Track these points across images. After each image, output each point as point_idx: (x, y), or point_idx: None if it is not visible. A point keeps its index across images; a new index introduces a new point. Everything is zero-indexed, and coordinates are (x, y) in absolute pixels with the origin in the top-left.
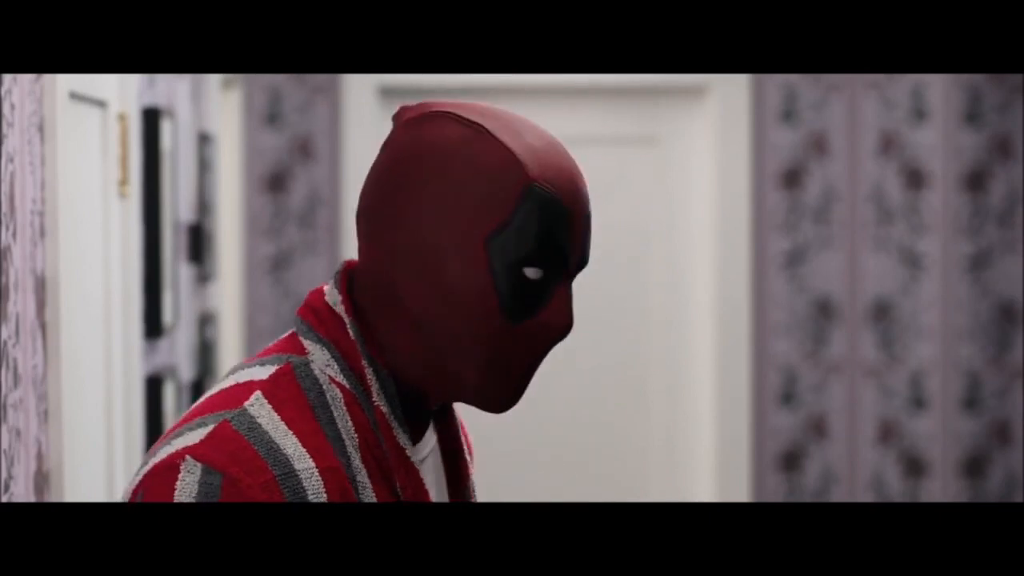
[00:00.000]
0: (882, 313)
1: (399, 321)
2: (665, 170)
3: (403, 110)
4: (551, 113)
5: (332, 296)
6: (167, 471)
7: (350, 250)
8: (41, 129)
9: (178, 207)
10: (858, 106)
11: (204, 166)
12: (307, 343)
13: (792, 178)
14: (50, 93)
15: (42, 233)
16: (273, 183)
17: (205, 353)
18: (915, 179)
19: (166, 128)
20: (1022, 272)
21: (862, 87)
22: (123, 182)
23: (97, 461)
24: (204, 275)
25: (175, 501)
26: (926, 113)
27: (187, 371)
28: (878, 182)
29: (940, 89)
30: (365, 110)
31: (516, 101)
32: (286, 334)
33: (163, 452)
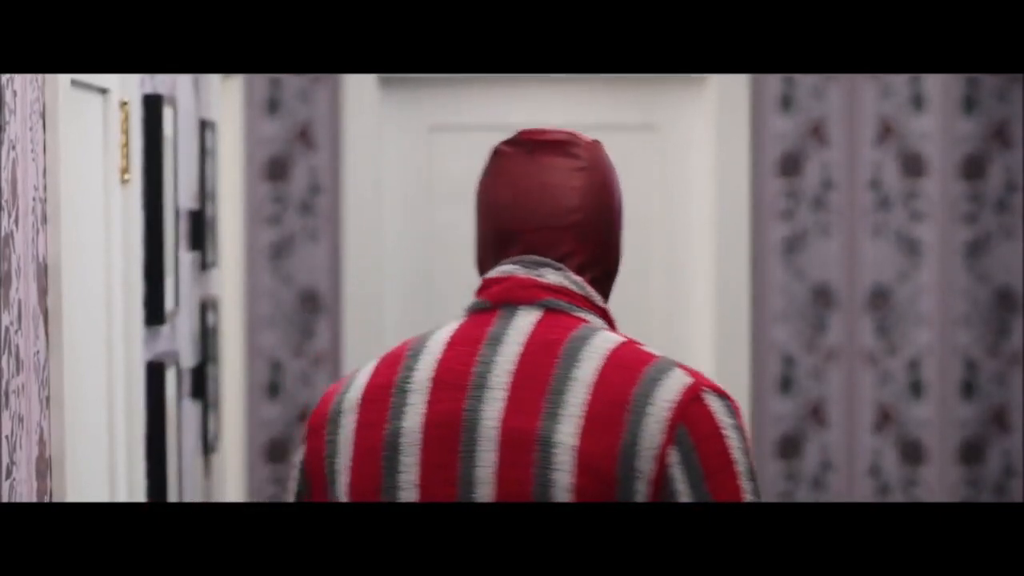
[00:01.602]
0: (880, 300)
1: (605, 292)
2: (664, 158)
3: (573, 137)
4: (550, 101)
5: (568, 280)
6: (697, 399)
7: (350, 237)
8: (43, 116)
9: (179, 194)
10: (857, 94)
11: (205, 153)
12: (582, 314)
13: (791, 165)
14: (52, 81)
15: (44, 220)
16: (274, 171)
17: (206, 340)
18: (913, 166)
19: (167, 116)
20: (1020, 259)
21: (860, 75)
22: (124, 169)
23: (99, 447)
24: (205, 262)
25: (718, 418)
26: (924, 101)
27: (188, 357)
28: (876, 169)
29: (938, 77)
30: (365, 98)
31: (515, 89)
32: (536, 318)
33: (670, 390)
